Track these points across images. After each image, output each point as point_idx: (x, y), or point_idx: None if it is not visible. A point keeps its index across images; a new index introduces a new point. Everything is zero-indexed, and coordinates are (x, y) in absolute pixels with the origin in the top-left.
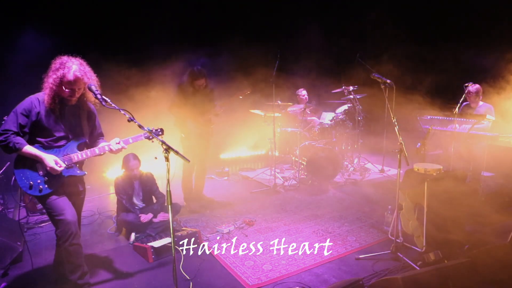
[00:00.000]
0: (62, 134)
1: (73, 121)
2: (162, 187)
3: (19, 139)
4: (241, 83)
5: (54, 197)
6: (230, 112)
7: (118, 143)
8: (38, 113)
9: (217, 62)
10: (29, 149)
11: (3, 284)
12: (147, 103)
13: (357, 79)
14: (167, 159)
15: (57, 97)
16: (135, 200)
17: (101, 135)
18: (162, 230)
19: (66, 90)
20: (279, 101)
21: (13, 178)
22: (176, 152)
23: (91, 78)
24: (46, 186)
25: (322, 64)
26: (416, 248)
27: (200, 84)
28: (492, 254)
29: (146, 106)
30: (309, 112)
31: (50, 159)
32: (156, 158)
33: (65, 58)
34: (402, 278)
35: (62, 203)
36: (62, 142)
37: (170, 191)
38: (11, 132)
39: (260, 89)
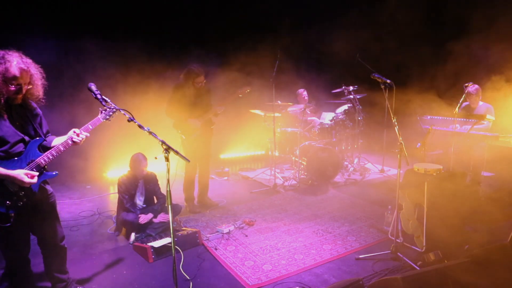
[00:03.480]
0: (17, 138)
1: (23, 122)
2: (163, 187)
3: None
4: (240, 84)
5: (13, 228)
6: (230, 112)
7: (79, 134)
8: None
9: (216, 62)
10: None
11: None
12: (145, 102)
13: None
14: (167, 159)
15: (2, 97)
16: (136, 200)
17: (48, 132)
18: (162, 230)
19: (12, 87)
20: (279, 101)
21: None
22: (176, 152)
23: (36, 70)
24: (25, 200)
25: (322, 64)
26: (416, 248)
27: (200, 81)
28: (492, 254)
29: (144, 105)
30: (309, 112)
31: (22, 175)
32: (156, 158)
33: (0, 52)
34: (402, 278)
35: (18, 237)
36: (19, 148)
37: (170, 191)
38: None
39: (260, 89)
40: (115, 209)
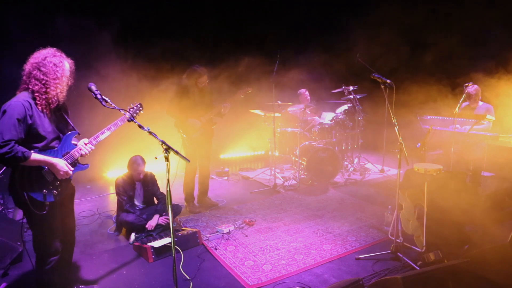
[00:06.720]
0: (55, 135)
1: (57, 121)
2: (162, 187)
3: (24, 148)
4: (240, 84)
5: (49, 217)
6: (230, 112)
7: (88, 143)
8: (31, 116)
9: (217, 62)
10: (37, 156)
11: (3, 284)
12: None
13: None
14: (167, 159)
15: (65, 93)
16: (135, 201)
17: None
18: (162, 230)
19: (70, 82)
20: (279, 101)
21: (24, 194)
22: (176, 152)
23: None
24: (60, 190)
25: (322, 63)
26: (416, 248)
27: (204, 81)
28: (492, 254)
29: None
30: (309, 112)
31: (62, 164)
32: (156, 158)
33: (45, 52)
34: (402, 278)
35: (53, 226)
36: (55, 143)
37: (170, 191)
38: (14, 141)
39: (260, 89)
40: (115, 209)
